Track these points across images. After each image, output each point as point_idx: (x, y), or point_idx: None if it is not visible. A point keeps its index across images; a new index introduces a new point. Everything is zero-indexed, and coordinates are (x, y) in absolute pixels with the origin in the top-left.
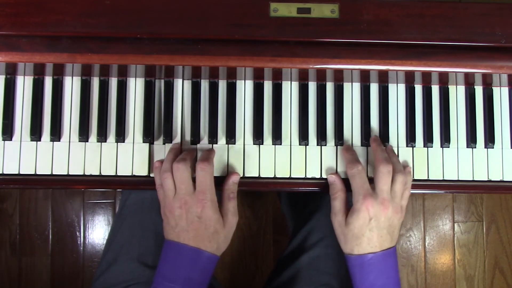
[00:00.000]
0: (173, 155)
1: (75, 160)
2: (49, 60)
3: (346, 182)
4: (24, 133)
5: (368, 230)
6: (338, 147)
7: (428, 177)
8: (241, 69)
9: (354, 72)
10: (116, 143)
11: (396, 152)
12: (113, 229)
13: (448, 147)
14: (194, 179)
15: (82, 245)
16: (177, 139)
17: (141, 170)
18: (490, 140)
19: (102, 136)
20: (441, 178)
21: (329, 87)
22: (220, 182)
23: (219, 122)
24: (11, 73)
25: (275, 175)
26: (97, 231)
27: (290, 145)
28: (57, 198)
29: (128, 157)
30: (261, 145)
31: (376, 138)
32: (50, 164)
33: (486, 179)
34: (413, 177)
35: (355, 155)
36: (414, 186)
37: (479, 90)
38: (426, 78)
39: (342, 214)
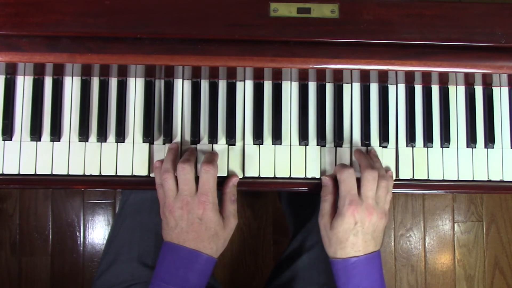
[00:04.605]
0: (173, 155)
1: (75, 160)
2: (49, 60)
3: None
4: (24, 133)
5: (352, 235)
6: (338, 147)
7: (428, 177)
8: (241, 69)
9: (354, 72)
10: (116, 143)
11: (396, 152)
12: (113, 229)
13: (448, 147)
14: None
15: (82, 245)
16: (177, 139)
17: (141, 170)
18: (490, 140)
19: (102, 136)
20: (441, 178)
21: (329, 87)
22: (220, 182)
23: (219, 122)
24: (11, 73)
25: (275, 175)
26: (97, 231)
27: (290, 145)
28: (57, 198)
29: (128, 157)
30: (261, 145)
31: (358, 150)
32: (50, 164)
33: (486, 179)
34: (413, 176)
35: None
36: (414, 186)
37: (479, 90)
38: (426, 78)
39: (329, 217)
